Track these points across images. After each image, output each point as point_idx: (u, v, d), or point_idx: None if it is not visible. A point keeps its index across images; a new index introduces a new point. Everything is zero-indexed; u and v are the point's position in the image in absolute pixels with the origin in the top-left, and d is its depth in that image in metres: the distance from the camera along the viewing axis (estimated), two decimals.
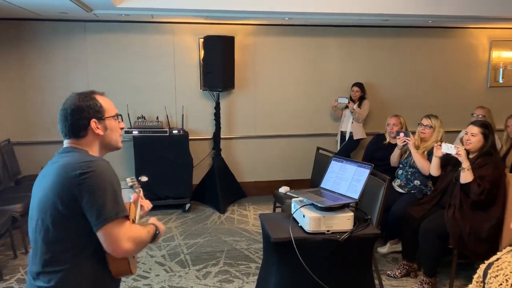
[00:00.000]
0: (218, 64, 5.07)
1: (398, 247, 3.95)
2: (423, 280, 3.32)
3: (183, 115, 5.49)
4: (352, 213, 2.50)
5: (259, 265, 3.58)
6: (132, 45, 5.38)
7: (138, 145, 5.09)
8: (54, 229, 1.46)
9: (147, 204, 1.86)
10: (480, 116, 4.64)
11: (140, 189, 1.81)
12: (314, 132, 5.92)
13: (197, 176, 5.53)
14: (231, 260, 3.90)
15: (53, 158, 1.59)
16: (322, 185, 2.82)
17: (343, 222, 2.46)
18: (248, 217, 5.06)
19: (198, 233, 4.55)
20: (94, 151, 1.60)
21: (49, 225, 1.47)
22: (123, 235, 1.46)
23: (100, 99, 1.62)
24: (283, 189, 4.34)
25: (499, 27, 6.06)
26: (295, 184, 5.11)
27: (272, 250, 2.56)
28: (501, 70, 6.23)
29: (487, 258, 1.98)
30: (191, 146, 5.31)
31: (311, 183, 4.58)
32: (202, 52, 5.30)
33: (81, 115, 1.55)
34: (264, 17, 5.04)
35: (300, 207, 2.56)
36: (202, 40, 5.29)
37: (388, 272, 3.60)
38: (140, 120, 5.23)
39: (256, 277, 3.32)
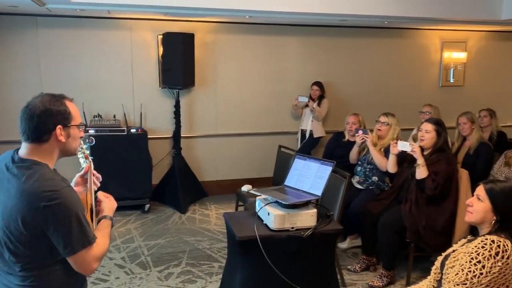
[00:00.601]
0: (178, 62, 4.98)
1: (358, 242, 4.05)
2: (382, 274, 3.42)
3: (141, 113, 5.36)
4: (315, 210, 2.53)
5: (222, 265, 3.57)
6: (88, 42, 5.18)
7: (95, 145, 4.89)
8: (21, 247, 1.49)
9: (98, 176, 1.89)
10: (427, 113, 4.84)
11: (91, 159, 1.80)
12: (275, 131, 5.96)
13: (157, 176, 5.42)
14: (193, 260, 3.85)
15: (8, 162, 1.53)
16: (286, 183, 2.84)
17: (307, 218, 2.49)
18: (210, 217, 5.02)
19: (158, 234, 4.46)
20: (53, 157, 1.58)
21: (15, 243, 1.48)
22: (90, 259, 1.54)
23: (70, 106, 1.60)
24: (246, 188, 4.35)
25: (450, 29, 6.34)
26: (257, 182, 5.13)
27: (237, 249, 2.55)
28: (451, 70, 6.52)
29: (443, 250, 2.07)
30: (150, 145, 5.19)
31: (273, 181, 4.61)
32: (161, 49, 5.20)
33: (48, 119, 1.52)
34: (224, 14, 5.01)
35: (265, 205, 2.57)
36: (161, 37, 5.19)
37: (349, 266, 3.68)
38: (96, 119, 5.05)
39: (219, 277, 3.31)
